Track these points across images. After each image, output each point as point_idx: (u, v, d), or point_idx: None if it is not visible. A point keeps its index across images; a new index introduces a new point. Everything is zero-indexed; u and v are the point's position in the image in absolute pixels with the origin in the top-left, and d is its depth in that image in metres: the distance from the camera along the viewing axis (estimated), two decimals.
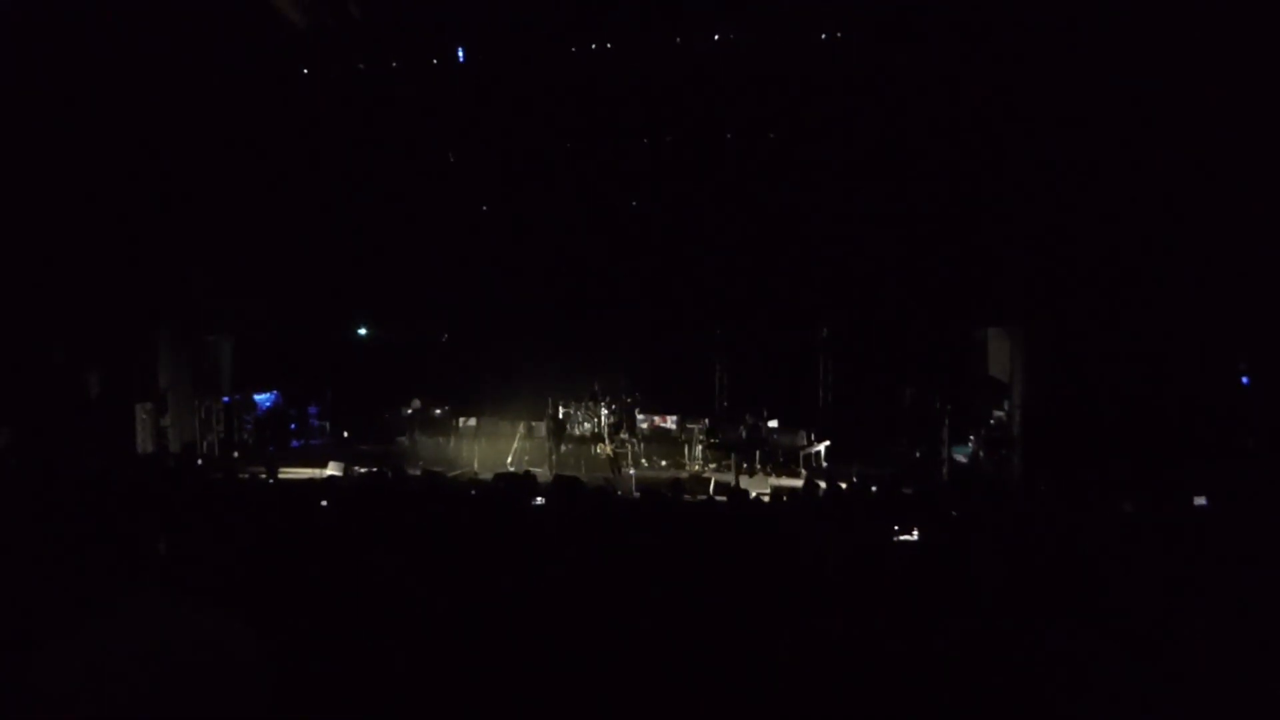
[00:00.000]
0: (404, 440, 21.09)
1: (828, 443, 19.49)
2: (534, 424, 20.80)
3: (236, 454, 20.56)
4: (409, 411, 21.30)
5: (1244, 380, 16.02)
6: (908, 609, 3.30)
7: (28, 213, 17.67)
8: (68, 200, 17.86)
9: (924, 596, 3.24)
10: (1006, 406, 18.25)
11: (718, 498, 13.00)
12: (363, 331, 23.22)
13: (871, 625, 3.55)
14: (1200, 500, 7.28)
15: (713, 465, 19.59)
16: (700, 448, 19.90)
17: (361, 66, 19.35)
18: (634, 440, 19.87)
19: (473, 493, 11.66)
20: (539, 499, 10.23)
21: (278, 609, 3.52)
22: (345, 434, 22.76)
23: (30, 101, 16.87)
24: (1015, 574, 2.65)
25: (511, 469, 18.03)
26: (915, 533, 5.22)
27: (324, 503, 8.94)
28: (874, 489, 13.34)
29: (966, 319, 19.82)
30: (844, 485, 13.68)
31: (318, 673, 2.84)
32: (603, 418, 19.91)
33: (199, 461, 18.99)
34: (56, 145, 17.44)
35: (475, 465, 19.37)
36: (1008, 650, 2.47)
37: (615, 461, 19.16)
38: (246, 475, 14.34)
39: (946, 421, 18.42)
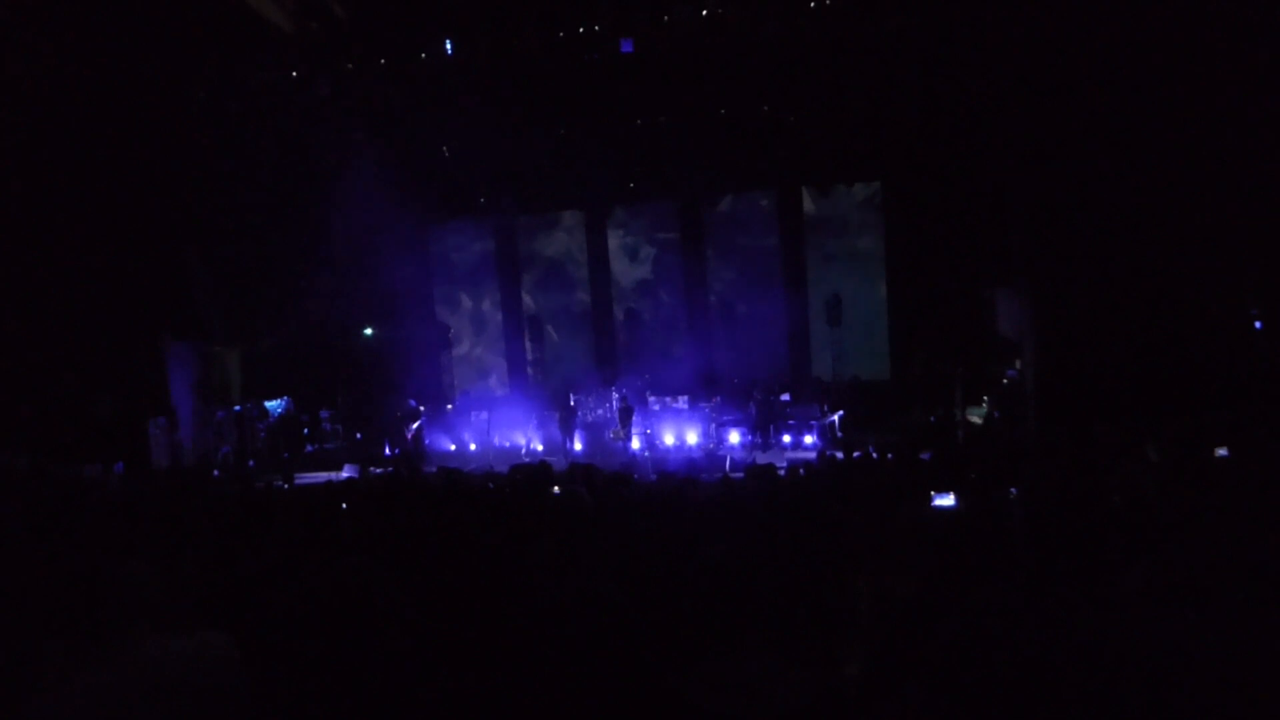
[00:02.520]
0: (413, 438, 20.93)
1: (841, 412, 19.42)
2: (546, 413, 20.76)
3: (252, 463, 20.58)
4: (421, 408, 21.21)
5: (1257, 325, 15.90)
6: (950, 574, 3.26)
7: (28, 237, 17.69)
8: (67, 221, 17.86)
9: (966, 561, 3.20)
10: (1018, 365, 18.17)
11: (733, 474, 12.97)
12: (368, 332, 23.19)
13: (913, 593, 3.52)
14: (1222, 451, 7.21)
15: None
16: (714, 426, 19.86)
17: (350, 66, 19.29)
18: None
19: (490, 486, 11.66)
20: (556, 488, 10.19)
21: (295, 620, 3.49)
22: (358, 435, 22.74)
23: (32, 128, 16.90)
24: (1048, 532, 2.60)
25: (526, 459, 18.00)
26: (951, 497, 5.19)
27: (344, 505, 8.93)
28: (890, 456, 13.30)
29: (975, 279, 19.77)
30: (858, 454, 13.64)
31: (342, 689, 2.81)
32: (614, 402, 19.88)
33: (215, 473, 19.03)
34: (54, 162, 17.45)
35: (490, 459, 19.36)
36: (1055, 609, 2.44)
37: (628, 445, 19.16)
38: (263, 483, 14.36)
39: (960, 384, 18.34)
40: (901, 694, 2.55)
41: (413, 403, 20.51)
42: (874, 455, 13.33)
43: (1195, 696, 2.19)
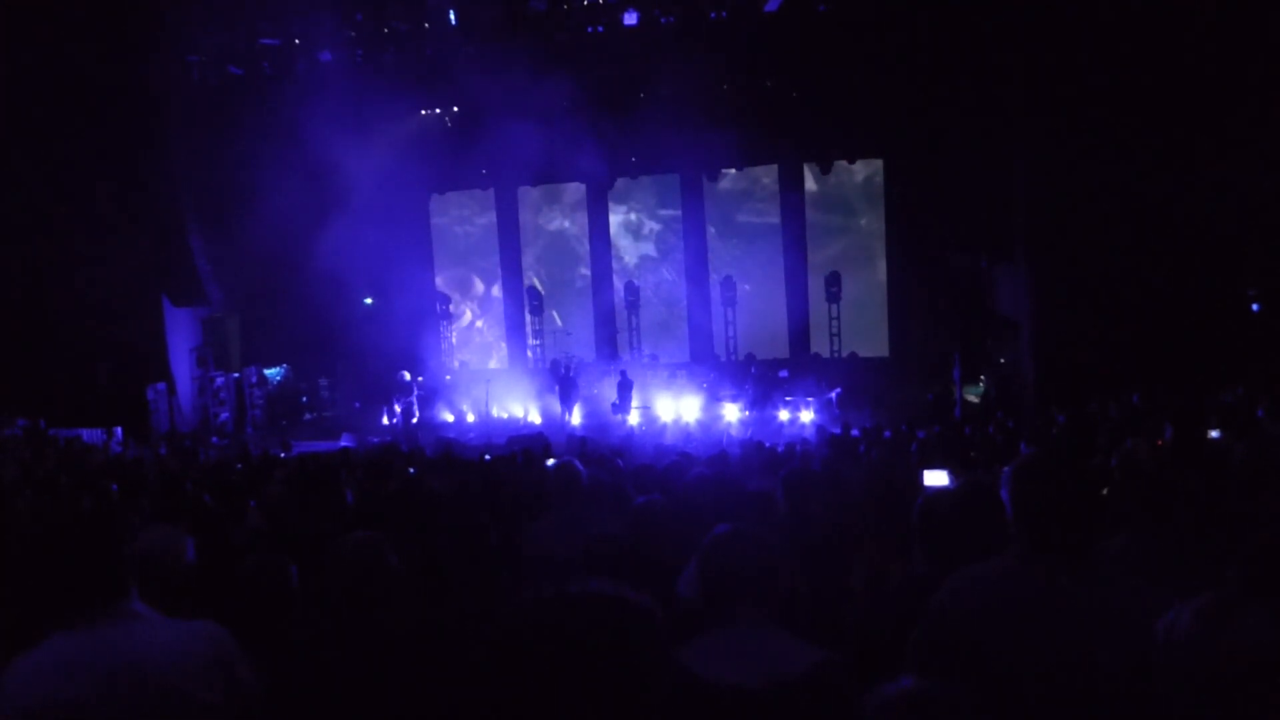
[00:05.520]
0: (413, 409, 20.86)
1: (839, 389, 19.42)
2: (545, 386, 20.75)
3: (251, 430, 20.60)
4: (420, 379, 21.11)
5: (1254, 307, 15.91)
6: (943, 552, 3.28)
7: (27, 204, 17.68)
8: (66, 186, 17.83)
9: (958, 538, 3.23)
10: (1017, 343, 18.18)
11: (730, 449, 13.00)
12: (368, 301, 23.15)
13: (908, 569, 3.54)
14: (1214, 433, 7.23)
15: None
16: (712, 401, 19.85)
17: (353, 34, 19.19)
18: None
19: (486, 458, 11.70)
20: (551, 461, 10.23)
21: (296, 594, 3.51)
22: (357, 404, 22.73)
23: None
24: (1041, 510, 2.61)
25: (524, 432, 18.01)
26: (944, 475, 5.21)
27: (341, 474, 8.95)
28: (887, 433, 13.33)
29: (974, 256, 19.76)
30: (856, 430, 13.67)
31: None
32: (614, 376, 19.87)
33: (214, 439, 19.07)
34: (53, 127, 17.42)
35: (488, 430, 19.38)
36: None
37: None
38: (261, 451, 14.40)
39: (957, 362, 18.34)
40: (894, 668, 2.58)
41: (402, 376, 20.34)
42: (871, 432, 13.36)
43: (1175, 674, 2.22)
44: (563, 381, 19.76)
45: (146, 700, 2.33)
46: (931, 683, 1.93)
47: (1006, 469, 2.74)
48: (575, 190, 24.36)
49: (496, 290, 25.11)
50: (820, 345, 22.57)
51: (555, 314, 24.39)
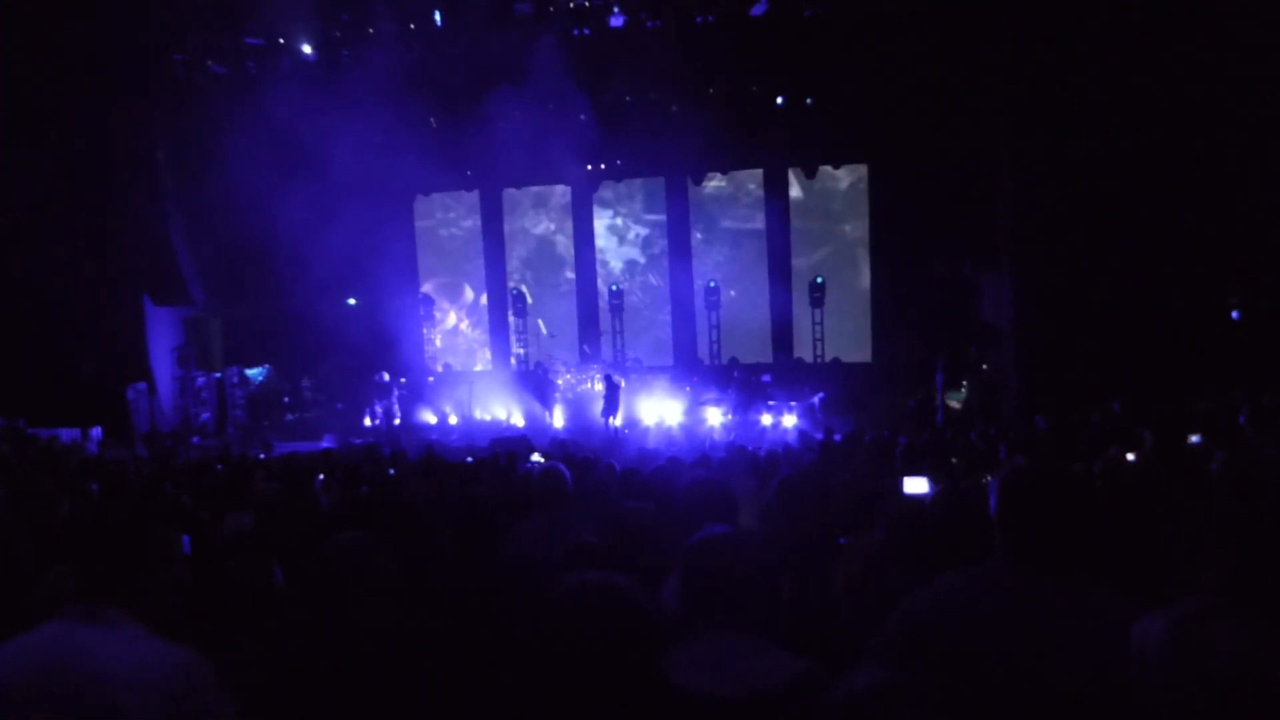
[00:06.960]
0: (394, 410, 20.75)
1: (822, 394, 19.45)
2: (527, 388, 20.71)
3: (232, 430, 20.48)
4: (402, 380, 21.04)
5: (1234, 315, 16.00)
6: (924, 560, 3.28)
7: (8, 202, 17.55)
8: (48, 185, 17.71)
9: (937, 545, 3.23)
10: (1001, 350, 18.23)
11: (713, 453, 12.99)
12: (352, 301, 23.05)
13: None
14: (1195, 438, 7.27)
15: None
16: (694, 405, 19.85)
17: (338, 34, 19.14)
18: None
19: (469, 460, 11.67)
20: (537, 455, 10.21)
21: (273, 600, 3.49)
22: (339, 405, 22.63)
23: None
24: (1023, 518, 2.61)
25: (507, 434, 17.96)
26: (925, 483, 5.22)
27: (320, 476, 8.91)
28: (867, 439, 13.36)
29: (959, 263, 19.82)
30: (838, 436, 13.68)
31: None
32: (599, 379, 19.85)
33: (194, 440, 18.96)
34: (36, 125, 17.31)
35: (470, 432, 19.34)
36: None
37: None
38: (241, 452, 14.32)
39: (940, 368, 18.39)
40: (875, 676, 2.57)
41: (381, 376, 20.19)
42: (854, 437, 13.37)
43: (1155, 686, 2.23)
44: (539, 384, 19.74)
45: (74, 708, 2.29)
46: (900, 675, 1.92)
47: (993, 479, 2.72)
48: (561, 194, 24.35)
49: (484, 300, 25.04)
50: (803, 350, 22.60)
51: (540, 322, 24.25)
